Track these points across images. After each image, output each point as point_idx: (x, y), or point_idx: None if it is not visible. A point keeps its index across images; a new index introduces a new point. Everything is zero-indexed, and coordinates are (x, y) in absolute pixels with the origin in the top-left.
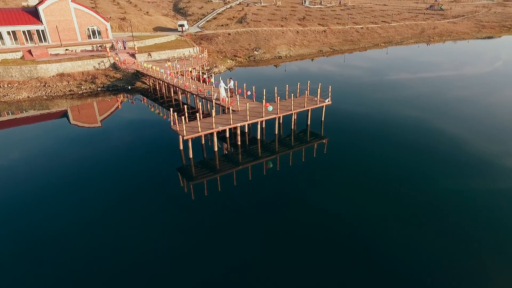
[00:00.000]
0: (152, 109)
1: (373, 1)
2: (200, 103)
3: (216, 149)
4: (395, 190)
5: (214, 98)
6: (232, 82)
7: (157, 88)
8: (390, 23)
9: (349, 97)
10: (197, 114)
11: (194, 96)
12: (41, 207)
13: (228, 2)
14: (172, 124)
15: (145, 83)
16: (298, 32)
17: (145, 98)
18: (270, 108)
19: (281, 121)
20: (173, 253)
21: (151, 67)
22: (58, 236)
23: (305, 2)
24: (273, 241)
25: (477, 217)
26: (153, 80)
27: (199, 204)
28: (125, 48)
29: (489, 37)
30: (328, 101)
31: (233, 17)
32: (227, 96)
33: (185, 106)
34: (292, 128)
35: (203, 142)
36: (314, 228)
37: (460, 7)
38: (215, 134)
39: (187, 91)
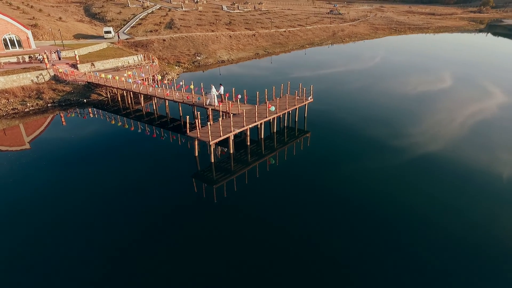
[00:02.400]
0: (113, 122)
1: (278, 6)
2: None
3: (232, 151)
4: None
5: (207, 104)
6: (222, 87)
7: (119, 99)
8: (305, 26)
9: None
10: (220, 119)
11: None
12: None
13: (147, 7)
14: (188, 131)
15: (102, 95)
16: (231, 36)
17: (103, 111)
18: (273, 108)
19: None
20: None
21: (113, 77)
22: (84, 247)
23: (223, 8)
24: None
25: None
26: (112, 91)
27: (231, 206)
28: (60, 58)
29: (381, 38)
30: (311, 98)
31: (160, 22)
32: (220, 101)
33: (199, 113)
34: (285, 125)
35: (214, 146)
36: (321, 209)
37: (355, 12)
38: (231, 137)
39: (167, 99)
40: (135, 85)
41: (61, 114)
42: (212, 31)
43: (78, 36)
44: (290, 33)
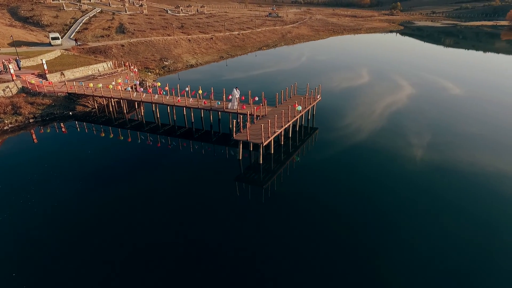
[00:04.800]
0: (103, 134)
1: (215, 9)
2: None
3: (272, 151)
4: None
5: (229, 107)
6: (238, 91)
7: (110, 109)
8: (253, 29)
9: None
10: (270, 120)
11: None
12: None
13: (86, 10)
14: (235, 134)
15: (87, 106)
16: (190, 40)
17: (95, 123)
18: (299, 108)
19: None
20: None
21: (107, 86)
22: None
23: (168, 11)
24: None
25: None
26: (97, 101)
27: (289, 206)
28: (20, 68)
29: (325, 39)
30: (319, 97)
31: (108, 27)
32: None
33: (241, 116)
34: (302, 123)
35: (252, 146)
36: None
37: (292, 15)
38: (272, 137)
39: (179, 106)
40: (135, 93)
41: (54, 128)
42: (168, 35)
43: (18, 44)
44: (244, 36)
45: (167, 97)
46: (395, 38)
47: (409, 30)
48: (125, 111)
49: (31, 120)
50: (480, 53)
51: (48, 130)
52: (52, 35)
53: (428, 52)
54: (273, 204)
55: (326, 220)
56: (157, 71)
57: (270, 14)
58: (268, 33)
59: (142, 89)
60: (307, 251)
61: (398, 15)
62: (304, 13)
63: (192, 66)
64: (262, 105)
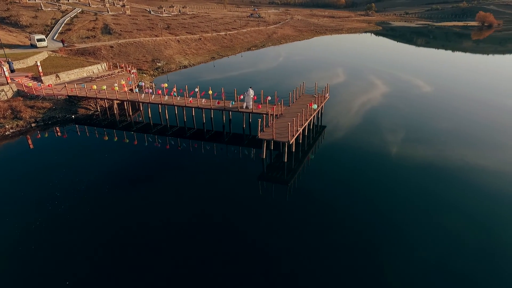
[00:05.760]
0: (106, 138)
1: (195, 10)
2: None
3: (294, 149)
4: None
5: (244, 107)
6: (252, 91)
7: (114, 111)
8: (239, 30)
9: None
10: (294, 119)
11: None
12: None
13: (66, 10)
14: (259, 133)
15: (89, 109)
16: (179, 41)
17: (99, 126)
18: (315, 106)
19: None
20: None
21: (112, 88)
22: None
23: (150, 12)
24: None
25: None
26: (99, 103)
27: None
28: (12, 70)
29: (310, 39)
30: (327, 96)
31: (93, 27)
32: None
33: (264, 116)
34: (314, 122)
35: (273, 145)
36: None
37: (274, 15)
38: (295, 136)
39: (191, 107)
40: (143, 95)
41: (58, 133)
42: (156, 36)
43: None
44: (232, 36)
45: (178, 98)
46: (377, 38)
47: (387, 31)
48: (129, 113)
49: (32, 125)
50: (474, 54)
51: (50, 135)
52: (37, 36)
53: (404, 50)
54: (300, 201)
55: (351, 217)
56: (151, 72)
57: (252, 14)
58: (254, 34)
59: (151, 90)
60: (333, 249)
61: (373, 16)
62: (284, 14)
63: (185, 66)
64: (278, 104)
